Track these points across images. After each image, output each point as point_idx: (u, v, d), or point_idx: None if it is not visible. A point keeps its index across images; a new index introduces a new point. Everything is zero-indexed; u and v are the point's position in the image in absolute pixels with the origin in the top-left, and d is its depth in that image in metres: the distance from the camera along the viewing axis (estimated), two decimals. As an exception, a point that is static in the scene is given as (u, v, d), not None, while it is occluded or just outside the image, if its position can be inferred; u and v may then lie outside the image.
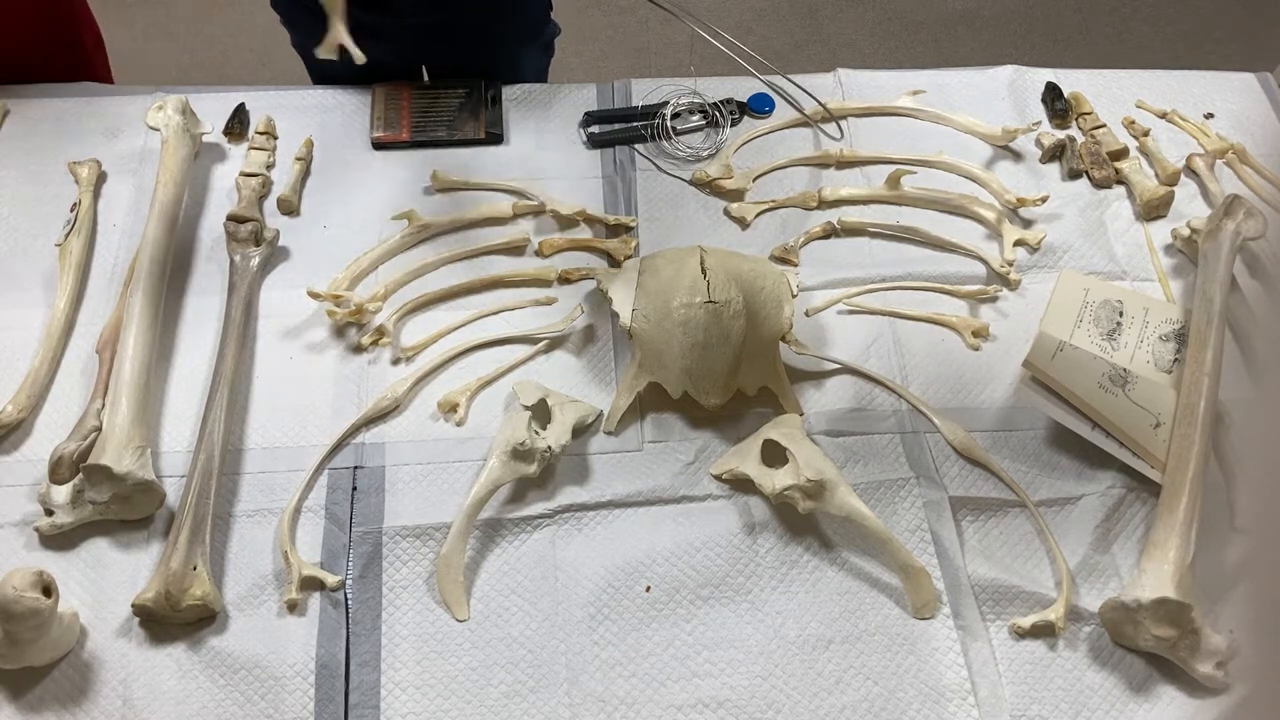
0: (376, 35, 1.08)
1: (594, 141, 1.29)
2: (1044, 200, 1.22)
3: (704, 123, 1.32)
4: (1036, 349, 1.09)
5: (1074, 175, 1.30)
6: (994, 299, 1.18)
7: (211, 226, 1.20)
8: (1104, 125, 1.33)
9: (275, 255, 1.18)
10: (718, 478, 1.04)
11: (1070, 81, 1.38)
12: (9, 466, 1.02)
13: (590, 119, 1.31)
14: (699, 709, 0.92)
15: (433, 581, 0.97)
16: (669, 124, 1.30)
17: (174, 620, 0.93)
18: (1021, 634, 0.96)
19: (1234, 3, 2.72)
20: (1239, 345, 1.13)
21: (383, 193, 1.24)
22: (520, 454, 0.99)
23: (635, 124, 1.31)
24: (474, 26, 1.33)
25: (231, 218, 1.17)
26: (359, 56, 1.04)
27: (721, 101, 1.33)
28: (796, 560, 1.00)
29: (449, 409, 1.07)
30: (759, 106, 1.33)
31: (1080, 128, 1.34)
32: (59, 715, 0.89)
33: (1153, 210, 1.26)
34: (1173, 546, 0.94)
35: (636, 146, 1.29)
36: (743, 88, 1.35)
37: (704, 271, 1.05)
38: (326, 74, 1.37)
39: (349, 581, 0.97)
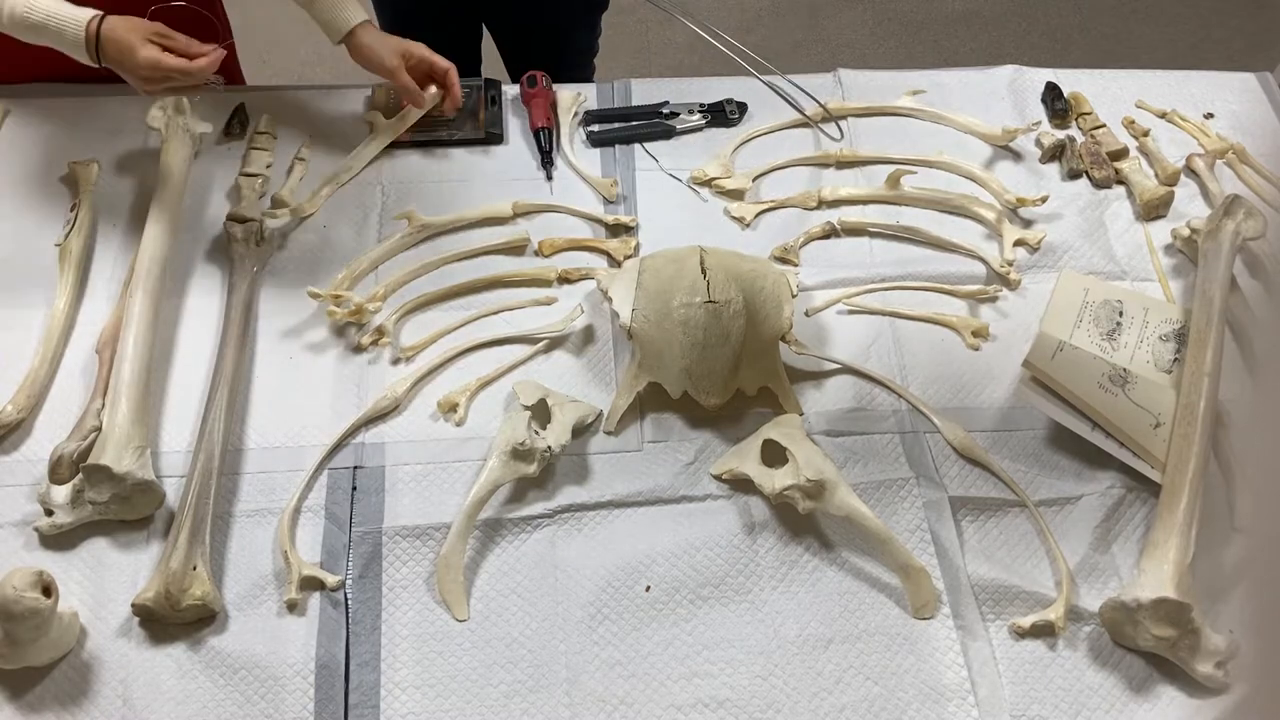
0: None
1: (594, 140, 1.29)
2: (1044, 200, 1.22)
3: (704, 122, 1.32)
4: (1036, 349, 1.08)
5: (1074, 175, 1.30)
6: (994, 299, 1.18)
7: (211, 226, 1.20)
8: (1104, 125, 1.33)
9: (275, 255, 1.18)
10: (718, 478, 1.04)
11: (1070, 81, 1.38)
12: (9, 466, 1.02)
13: (590, 118, 1.31)
14: (699, 709, 0.92)
15: (433, 581, 0.97)
16: (668, 123, 1.30)
17: (174, 620, 0.93)
18: (1021, 634, 0.96)
19: (1234, 3, 2.72)
20: (1239, 345, 1.13)
21: (382, 192, 1.24)
22: (520, 454, 0.99)
23: (634, 123, 1.31)
24: None
25: (231, 218, 1.17)
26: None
27: (723, 101, 1.33)
28: (796, 560, 1.00)
29: (449, 409, 1.07)
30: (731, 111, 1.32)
31: (1080, 128, 1.34)
32: (59, 715, 0.89)
33: (1153, 210, 1.26)
34: (1173, 546, 0.94)
35: (639, 144, 1.30)
36: (743, 88, 1.35)
37: (704, 271, 1.05)
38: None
39: (349, 581, 0.97)
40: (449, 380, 1.10)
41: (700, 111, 1.32)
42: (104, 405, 1.02)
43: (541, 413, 1.04)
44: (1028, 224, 1.24)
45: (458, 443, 1.06)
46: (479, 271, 1.17)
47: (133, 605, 0.92)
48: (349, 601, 0.96)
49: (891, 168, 1.25)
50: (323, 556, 0.98)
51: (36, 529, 0.97)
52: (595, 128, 1.30)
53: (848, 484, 0.98)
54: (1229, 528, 1.01)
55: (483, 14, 1.53)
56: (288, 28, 2.57)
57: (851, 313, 1.17)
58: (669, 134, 1.30)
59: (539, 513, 1.01)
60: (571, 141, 1.30)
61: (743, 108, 1.34)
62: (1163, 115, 1.36)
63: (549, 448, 1.00)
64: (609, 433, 1.07)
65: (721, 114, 1.32)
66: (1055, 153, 1.30)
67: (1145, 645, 0.94)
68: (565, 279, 1.18)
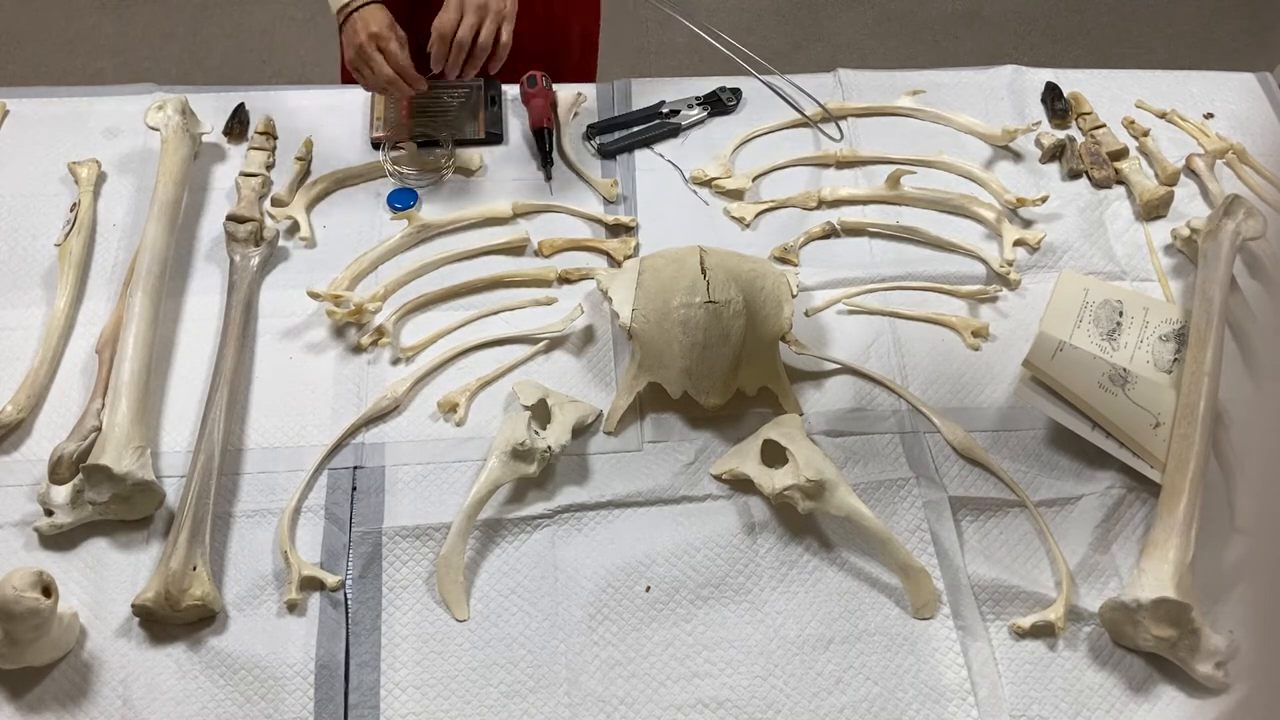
0: None
1: (604, 152, 1.29)
2: (1044, 200, 1.22)
3: (705, 114, 1.32)
4: (1036, 349, 1.08)
5: (1074, 175, 1.30)
6: (994, 299, 1.18)
7: (211, 226, 1.20)
8: (1104, 125, 1.33)
9: (275, 255, 1.18)
10: (718, 478, 1.04)
11: (1070, 81, 1.38)
12: (9, 466, 1.02)
13: (593, 131, 1.31)
14: (699, 709, 0.92)
15: (433, 581, 0.97)
16: (672, 121, 1.30)
17: (174, 620, 0.93)
18: (1021, 634, 0.96)
19: (1234, 3, 2.72)
20: (1239, 345, 1.13)
21: (382, 193, 1.24)
22: (520, 454, 0.99)
23: (638, 128, 1.31)
24: None
25: (231, 218, 1.17)
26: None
27: (717, 90, 1.33)
28: (796, 560, 1.00)
29: (449, 409, 1.07)
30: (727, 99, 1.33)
31: (1080, 128, 1.34)
32: (59, 715, 0.89)
33: (1152, 210, 1.26)
34: (1173, 546, 0.94)
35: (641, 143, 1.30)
36: (743, 88, 1.35)
37: (704, 271, 1.05)
38: None
39: (349, 581, 0.97)
40: (449, 380, 1.10)
41: (699, 104, 1.32)
42: (104, 405, 1.02)
43: (541, 413, 1.04)
44: (1028, 224, 1.24)
45: (458, 443, 1.06)
46: (479, 271, 1.17)
47: (133, 605, 0.92)
48: (349, 601, 0.96)
49: (891, 168, 1.25)
50: (323, 556, 0.98)
51: (36, 529, 0.97)
52: (600, 140, 1.30)
53: (848, 484, 0.98)
54: (1229, 528, 1.01)
55: None
56: (288, 28, 2.57)
57: (851, 313, 1.17)
58: (675, 132, 1.30)
59: (539, 513, 1.01)
60: (572, 141, 1.30)
61: (738, 94, 1.34)
62: (1163, 115, 1.36)
63: (549, 448, 1.00)
64: (609, 433, 1.07)
65: (719, 103, 1.32)
66: (1055, 153, 1.30)
67: (1145, 645, 0.94)
68: (565, 279, 1.18)
